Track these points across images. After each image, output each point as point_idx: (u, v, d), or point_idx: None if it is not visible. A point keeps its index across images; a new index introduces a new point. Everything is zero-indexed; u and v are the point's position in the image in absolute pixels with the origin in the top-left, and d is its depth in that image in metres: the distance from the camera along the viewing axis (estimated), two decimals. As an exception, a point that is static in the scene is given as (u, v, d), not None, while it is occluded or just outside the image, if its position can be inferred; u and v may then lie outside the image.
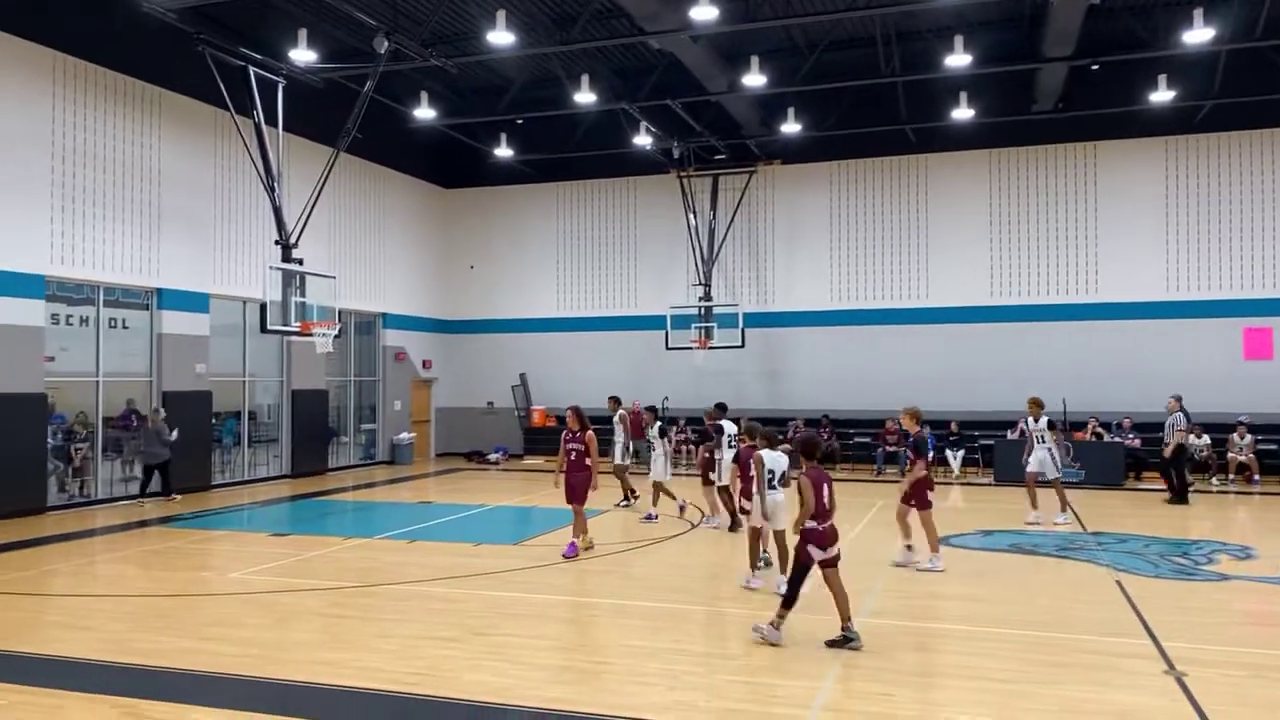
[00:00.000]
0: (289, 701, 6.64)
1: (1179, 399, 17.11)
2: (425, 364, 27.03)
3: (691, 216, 25.13)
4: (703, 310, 24.72)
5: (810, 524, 7.81)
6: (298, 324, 17.36)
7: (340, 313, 19.10)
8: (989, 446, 21.42)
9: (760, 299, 25.47)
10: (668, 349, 24.56)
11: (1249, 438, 19.93)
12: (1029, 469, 14.74)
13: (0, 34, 15.35)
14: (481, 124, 24.17)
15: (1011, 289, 23.59)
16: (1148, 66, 19.83)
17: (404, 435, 25.44)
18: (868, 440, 23.06)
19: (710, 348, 24.32)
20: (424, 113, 21.82)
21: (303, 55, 17.13)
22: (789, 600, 7.86)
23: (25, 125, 15.75)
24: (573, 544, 11.87)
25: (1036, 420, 14.56)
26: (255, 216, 20.20)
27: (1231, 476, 19.77)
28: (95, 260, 16.96)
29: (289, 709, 6.46)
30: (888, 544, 12.85)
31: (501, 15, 16.22)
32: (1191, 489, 17.60)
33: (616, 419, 16.69)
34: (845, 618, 7.84)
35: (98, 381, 17.31)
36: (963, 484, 20.44)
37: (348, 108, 17.81)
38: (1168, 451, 16.90)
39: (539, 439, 25.96)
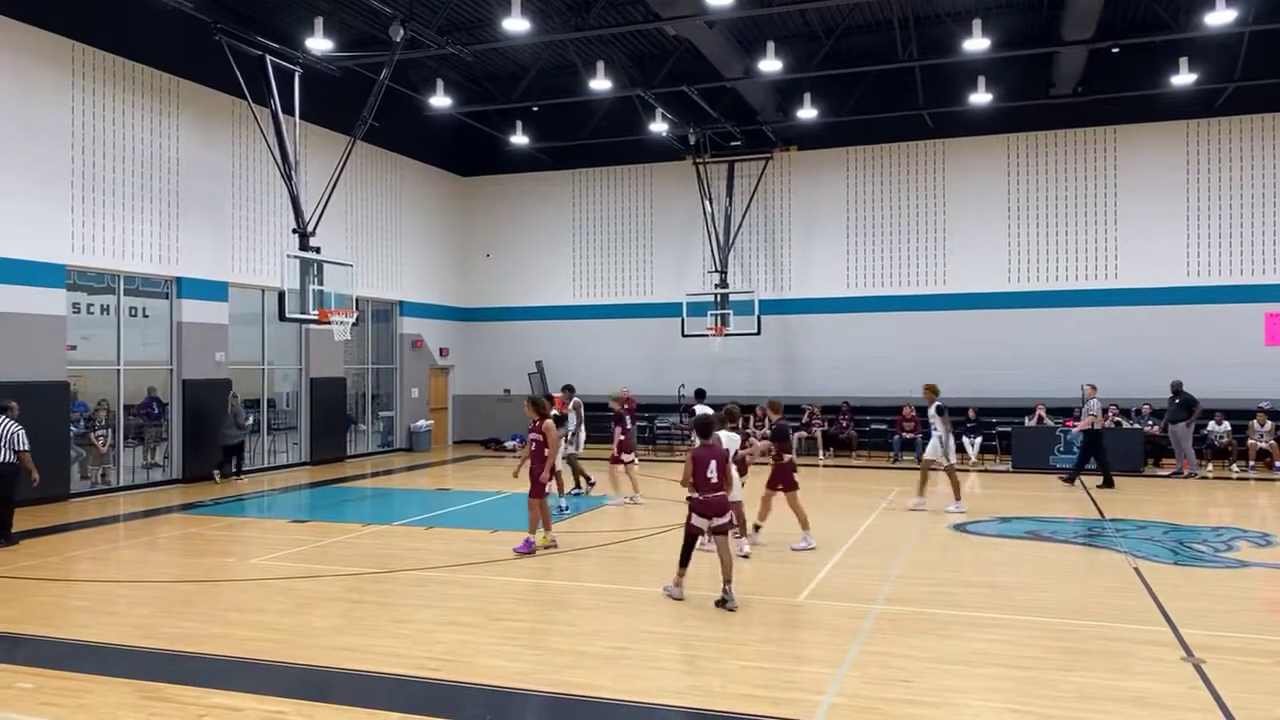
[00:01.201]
0: (310, 686, 6.72)
1: (1094, 386, 17.91)
2: (442, 351, 27.13)
3: (707, 203, 25.07)
4: (719, 297, 24.70)
5: (693, 495, 8.83)
6: (316, 312, 17.46)
7: (358, 300, 19.17)
8: (1006, 433, 21.36)
9: (777, 286, 25.41)
10: (684, 336, 24.56)
11: (1269, 424, 19.79)
12: (924, 455, 14.93)
13: (21, 25, 15.46)
14: (497, 111, 24.16)
15: (1030, 275, 23.44)
16: (1169, 49, 19.59)
17: (421, 423, 25.58)
18: (884, 427, 23.01)
19: (726, 335, 24.30)
20: (440, 101, 21.83)
21: (319, 44, 17.18)
22: (682, 562, 8.95)
23: (46, 116, 15.86)
24: (528, 539, 11.32)
25: (930, 406, 14.70)
26: (273, 205, 20.32)
27: (1252, 463, 19.62)
28: (115, 250, 17.10)
29: (310, 693, 6.54)
30: (903, 531, 12.88)
31: (517, 1, 16.17)
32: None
33: (570, 408, 16.68)
34: (726, 580, 8.76)
35: (119, 370, 17.48)
36: (980, 471, 20.37)
37: (364, 96, 17.84)
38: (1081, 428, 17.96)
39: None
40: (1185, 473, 18.73)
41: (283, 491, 17.75)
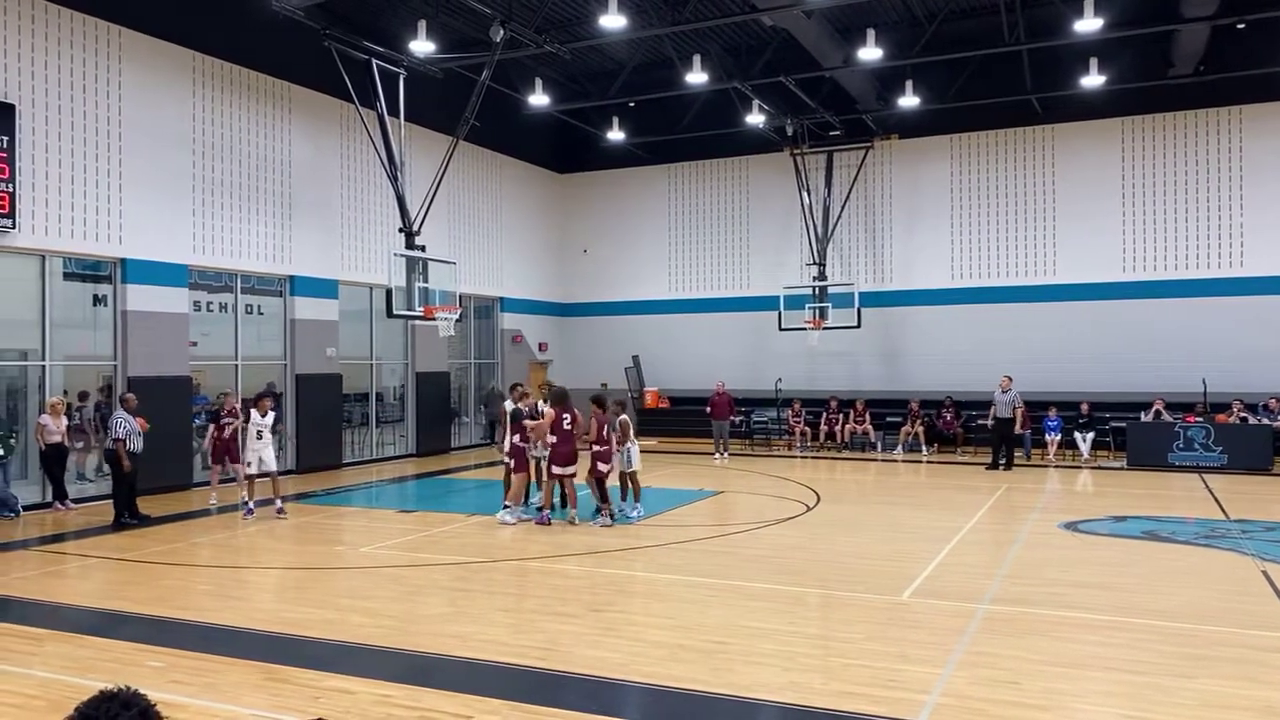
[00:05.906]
0: (418, 671, 6.92)
1: (1010, 378, 19.29)
2: (541, 346, 27.52)
3: (805, 195, 24.76)
4: (817, 290, 24.36)
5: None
6: (421, 308, 17.93)
7: (460, 297, 19.61)
8: (1121, 429, 20.51)
9: (877, 278, 24.95)
10: (781, 330, 24.33)
11: None
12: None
13: (147, 37, 16.30)
14: (594, 108, 24.34)
15: (1146, 263, 22.43)
16: (1300, 22, 18.47)
17: (522, 416, 25.99)
18: (991, 423, 22.29)
19: (825, 328, 23.97)
20: (538, 99, 22.12)
21: (422, 46, 17.60)
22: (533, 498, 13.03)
23: (170, 124, 16.68)
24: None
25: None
26: (380, 205, 20.94)
27: (1394, 462, 18.41)
28: (233, 250, 17.88)
29: (418, 678, 6.73)
30: (1011, 529, 12.52)
31: (613, -2, 16.26)
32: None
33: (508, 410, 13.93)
34: (562, 503, 13.17)
35: (236, 365, 18.29)
36: (1093, 468, 19.62)
37: (465, 97, 18.21)
38: (990, 424, 19.65)
39: (651, 420, 26.10)
40: (1318, 471, 17.69)
41: (390, 482, 18.30)
